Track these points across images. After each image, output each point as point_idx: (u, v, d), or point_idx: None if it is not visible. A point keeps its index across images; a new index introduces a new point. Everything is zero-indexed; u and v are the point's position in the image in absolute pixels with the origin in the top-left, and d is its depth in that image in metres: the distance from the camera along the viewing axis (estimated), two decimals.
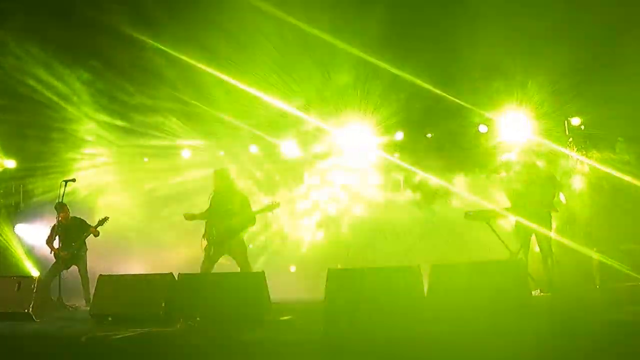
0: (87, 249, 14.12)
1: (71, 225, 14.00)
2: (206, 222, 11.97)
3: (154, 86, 15.47)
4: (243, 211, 11.84)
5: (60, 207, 13.83)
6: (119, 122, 16.38)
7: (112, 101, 15.95)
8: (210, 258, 11.59)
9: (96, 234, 13.92)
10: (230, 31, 13.93)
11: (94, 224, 13.94)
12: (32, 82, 15.60)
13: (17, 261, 17.67)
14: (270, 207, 12.12)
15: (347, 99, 15.70)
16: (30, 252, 17.74)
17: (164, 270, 10.25)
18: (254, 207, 12.20)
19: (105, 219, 13.92)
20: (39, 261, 16.91)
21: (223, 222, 11.70)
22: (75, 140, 16.60)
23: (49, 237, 13.98)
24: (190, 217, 12.19)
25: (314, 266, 14.58)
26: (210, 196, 12.16)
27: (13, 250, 17.91)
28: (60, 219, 13.86)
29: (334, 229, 16.39)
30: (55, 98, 15.94)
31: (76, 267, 13.90)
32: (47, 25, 14.46)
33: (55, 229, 13.91)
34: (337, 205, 16.65)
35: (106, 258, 15.03)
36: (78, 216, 14.26)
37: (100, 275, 10.41)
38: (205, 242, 11.83)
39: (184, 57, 14.54)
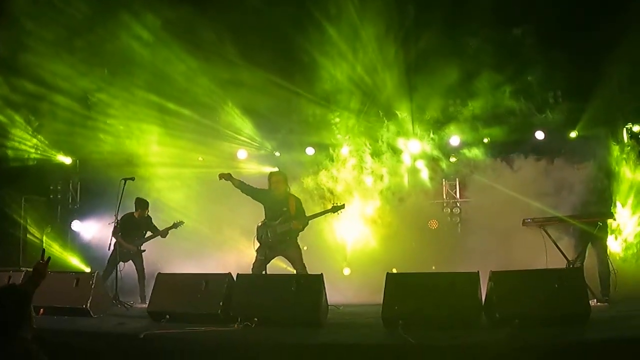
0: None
1: (142, 223, 14.21)
2: (258, 225, 12.03)
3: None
4: (298, 214, 11.91)
5: (140, 204, 14.17)
6: (179, 115, 16.55)
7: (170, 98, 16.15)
8: (263, 260, 11.64)
9: (164, 235, 14.13)
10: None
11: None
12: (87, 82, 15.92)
13: (67, 258, 17.97)
14: (335, 209, 12.11)
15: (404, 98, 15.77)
16: (84, 249, 18.00)
17: (221, 270, 10.31)
18: (312, 211, 12.29)
19: (180, 223, 14.15)
20: (92, 258, 17.14)
21: (278, 224, 11.78)
22: (133, 137, 16.76)
23: (115, 227, 13.84)
24: (225, 176, 12.22)
25: (367, 270, 14.58)
26: (264, 192, 12.22)
27: (64, 247, 18.23)
28: (136, 215, 14.13)
29: (387, 232, 16.32)
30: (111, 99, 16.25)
31: (133, 264, 14.03)
32: None
33: (126, 221, 14.00)
34: (390, 208, 16.58)
35: (163, 256, 15.18)
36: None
37: (159, 273, 10.47)
38: (257, 244, 11.91)
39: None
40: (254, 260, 11.77)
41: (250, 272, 11.36)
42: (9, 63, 15.06)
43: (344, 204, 12.23)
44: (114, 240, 13.45)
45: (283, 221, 11.77)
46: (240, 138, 17.49)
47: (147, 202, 14.23)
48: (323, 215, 12.46)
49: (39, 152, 17.81)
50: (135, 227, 14.11)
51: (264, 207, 12.15)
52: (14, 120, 16.69)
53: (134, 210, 14.26)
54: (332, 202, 12.32)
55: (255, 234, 12.01)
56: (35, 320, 5.22)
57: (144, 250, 14.19)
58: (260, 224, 12.04)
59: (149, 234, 14.29)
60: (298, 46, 14.99)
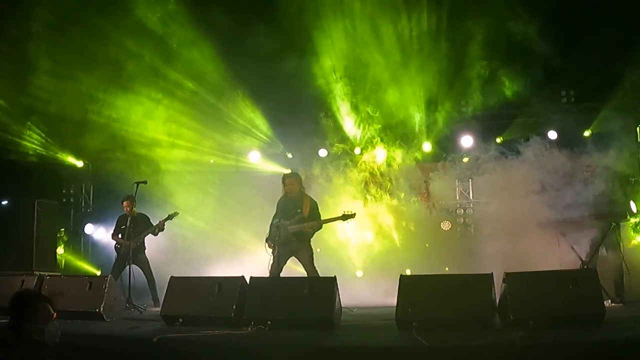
0: (145, 248, 14.20)
1: (136, 220, 13.98)
2: (271, 225, 12.02)
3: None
4: (312, 216, 11.86)
5: (125, 200, 13.98)
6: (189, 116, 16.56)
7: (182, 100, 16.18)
8: (277, 261, 11.63)
9: (162, 228, 13.92)
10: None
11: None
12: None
13: (80, 262, 18.02)
14: (345, 217, 11.91)
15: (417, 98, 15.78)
16: (97, 253, 18.03)
17: (233, 273, 10.30)
18: (326, 214, 12.22)
19: (175, 214, 13.92)
20: (104, 262, 17.09)
21: (291, 224, 11.74)
22: (146, 140, 16.74)
23: (114, 229, 14.21)
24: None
25: (381, 272, 14.56)
26: (278, 201, 12.23)
27: (77, 251, 18.30)
28: (127, 212, 13.96)
29: (399, 234, 16.28)
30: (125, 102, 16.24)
31: (140, 269, 13.87)
32: None
33: (120, 221, 14.11)
34: (403, 209, 16.54)
35: (176, 260, 15.16)
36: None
37: (172, 276, 10.44)
38: (270, 245, 11.88)
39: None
40: (270, 263, 11.74)
41: (264, 276, 11.32)
42: (14, 60, 15.05)
43: (354, 213, 11.98)
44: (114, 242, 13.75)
45: (295, 222, 11.72)
46: (253, 131, 17.45)
47: (132, 196, 13.83)
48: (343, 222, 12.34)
49: (50, 155, 17.86)
50: (132, 225, 13.82)
51: (281, 210, 12.15)
52: (24, 122, 16.73)
53: (145, 212, 14.28)
54: (344, 211, 12.13)
55: (267, 233, 12.01)
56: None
57: (145, 249, 14.13)
58: (273, 224, 12.05)
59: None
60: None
